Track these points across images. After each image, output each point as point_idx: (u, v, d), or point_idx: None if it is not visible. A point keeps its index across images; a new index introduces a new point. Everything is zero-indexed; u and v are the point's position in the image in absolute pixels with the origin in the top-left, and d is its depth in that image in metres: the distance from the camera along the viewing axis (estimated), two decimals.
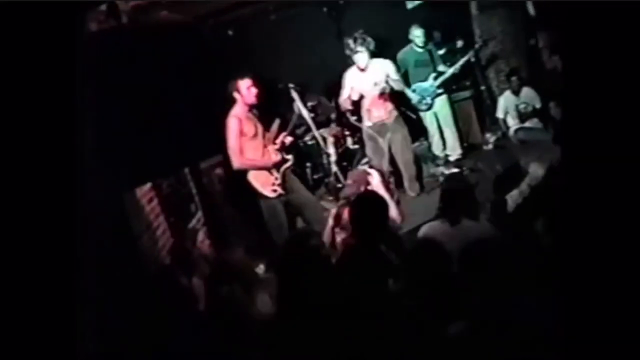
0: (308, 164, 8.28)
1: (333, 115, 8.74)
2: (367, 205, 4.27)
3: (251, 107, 6.35)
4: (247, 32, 9.16)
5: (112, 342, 3.64)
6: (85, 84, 3.08)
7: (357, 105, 7.52)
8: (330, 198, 7.95)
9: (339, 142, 8.48)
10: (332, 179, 6.95)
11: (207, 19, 8.29)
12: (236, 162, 6.24)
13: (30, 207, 2.64)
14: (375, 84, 7.29)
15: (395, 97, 7.71)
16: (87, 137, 3.12)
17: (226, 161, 6.56)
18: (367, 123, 7.53)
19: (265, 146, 6.42)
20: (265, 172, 6.37)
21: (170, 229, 5.92)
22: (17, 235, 2.60)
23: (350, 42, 7.14)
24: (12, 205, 2.60)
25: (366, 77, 7.32)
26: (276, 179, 6.41)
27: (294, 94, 6.20)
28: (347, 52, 7.20)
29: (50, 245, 2.66)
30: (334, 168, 7.09)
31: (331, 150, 7.82)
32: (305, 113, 6.28)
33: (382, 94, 7.37)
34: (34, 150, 2.64)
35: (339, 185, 7.55)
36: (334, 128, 8.58)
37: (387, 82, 7.39)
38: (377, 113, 7.41)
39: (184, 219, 6.46)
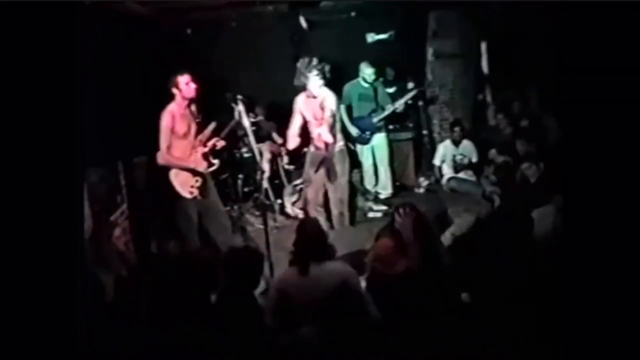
0: (240, 176, 8.26)
1: (274, 133, 8.76)
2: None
3: (189, 103, 6.30)
4: (205, 35, 9.17)
5: None
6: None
7: (304, 130, 7.42)
8: (257, 213, 7.94)
9: (275, 159, 8.50)
10: (262, 195, 6.93)
11: (169, 14, 8.25)
12: (161, 158, 6.18)
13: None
14: (328, 115, 7.17)
15: (340, 130, 7.62)
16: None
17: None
18: (311, 148, 7.44)
19: (194, 147, 6.37)
20: (186, 173, 6.32)
21: (92, 217, 5.83)
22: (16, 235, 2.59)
23: (304, 65, 7.03)
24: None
25: (316, 104, 7.21)
26: (197, 181, 6.35)
27: (240, 104, 6.16)
28: (301, 74, 7.09)
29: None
30: (266, 184, 7.08)
31: (266, 166, 7.83)
32: (247, 124, 6.24)
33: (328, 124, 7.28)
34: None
35: (267, 203, 7.56)
36: (272, 145, 8.59)
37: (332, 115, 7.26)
38: (318, 142, 7.30)
39: (108, 209, 6.37)
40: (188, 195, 6.32)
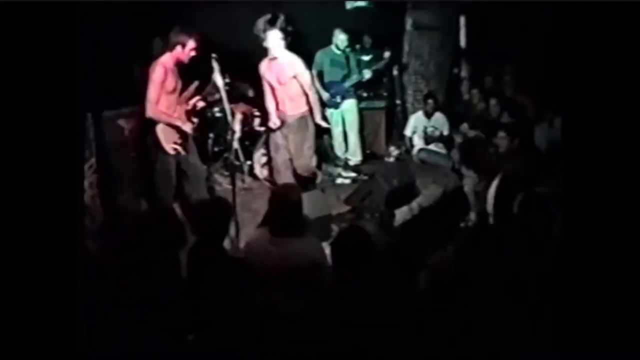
0: (211, 135, 8.20)
1: (249, 93, 8.70)
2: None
3: (178, 63, 6.26)
4: None
5: None
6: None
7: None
8: (226, 173, 7.93)
9: (246, 120, 8.46)
10: (231, 155, 6.90)
11: None
12: (150, 111, 6.11)
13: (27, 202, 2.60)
14: (285, 83, 7.06)
15: (304, 95, 7.26)
16: None
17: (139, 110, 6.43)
18: (278, 115, 7.32)
19: (178, 104, 6.34)
20: (170, 129, 6.29)
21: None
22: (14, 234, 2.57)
23: (264, 22, 6.88)
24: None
25: (277, 68, 7.06)
26: (179, 138, 6.34)
27: (215, 64, 6.12)
28: (260, 31, 6.92)
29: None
30: (236, 145, 7.05)
31: (237, 127, 7.78)
32: (220, 84, 6.20)
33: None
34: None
35: (237, 163, 7.53)
36: (244, 106, 8.55)
37: (295, 77, 7.10)
38: (281, 107, 7.20)
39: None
40: (171, 152, 6.29)
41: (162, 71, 6.08)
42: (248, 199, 7.27)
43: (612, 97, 2.69)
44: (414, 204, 6.88)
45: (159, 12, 8.40)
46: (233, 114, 7.15)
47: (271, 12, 7.14)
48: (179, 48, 6.16)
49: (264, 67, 7.16)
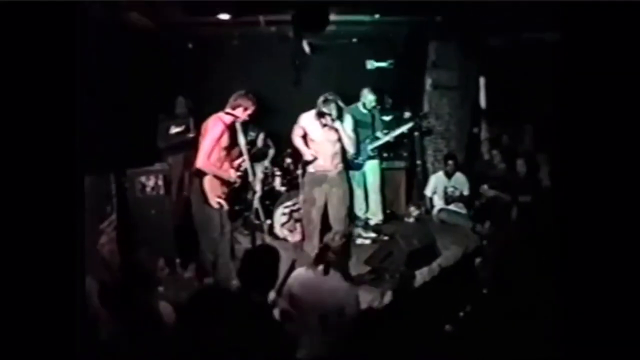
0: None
1: (271, 152, 8.77)
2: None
3: (234, 121, 6.36)
4: (206, 50, 9.22)
5: None
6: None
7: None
8: (246, 232, 7.93)
9: (266, 180, 8.51)
10: (252, 214, 6.92)
11: (172, 28, 8.29)
12: (201, 162, 6.18)
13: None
14: (329, 141, 7.23)
15: (343, 152, 7.55)
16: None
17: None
18: (310, 169, 7.47)
19: (224, 162, 6.42)
20: (217, 183, 6.35)
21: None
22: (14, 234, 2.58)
23: (321, 103, 6.99)
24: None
25: (323, 130, 7.21)
26: (224, 192, 6.39)
27: (237, 125, 6.21)
28: (320, 110, 7.00)
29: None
30: (257, 204, 7.08)
31: (258, 186, 7.82)
32: (243, 144, 6.28)
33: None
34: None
35: (257, 222, 7.53)
36: (265, 165, 8.60)
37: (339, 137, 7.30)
38: (322, 162, 7.36)
39: (98, 218, 6.38)
40: (215, 206, 6.34)
41: (222, 127, 6.20)
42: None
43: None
44: (435, 265, 6.82)
45: (180, 72, 8.58)
46: (254, 173, 7.20)
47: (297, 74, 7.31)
48: (240, 110, 6.27)
49: (308, 119, 7.29)
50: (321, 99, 6.99)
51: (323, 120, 7.02)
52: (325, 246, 4.93)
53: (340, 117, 7.06)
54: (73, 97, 2.75)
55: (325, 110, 6.93)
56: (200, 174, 6.27)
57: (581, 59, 2.75)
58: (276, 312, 4.56)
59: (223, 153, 6.32)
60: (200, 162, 6.23)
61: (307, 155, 7.31)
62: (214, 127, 6.23)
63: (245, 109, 6.30)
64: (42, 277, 2.61)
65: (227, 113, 6.30)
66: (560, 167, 2.88)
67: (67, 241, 2.71)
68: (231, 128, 6.37)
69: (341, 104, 7.12)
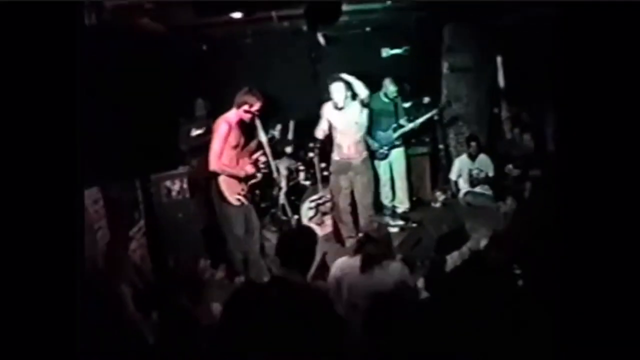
0: (257, 192, 8.28)
1: (289, 149, 8.78)
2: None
3: (241, 121, 6.40)
4: (220, 51, 9.23)
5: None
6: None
7: (329, 137, 7.55)
8: (274, 229, 7.96)
9: (291, 175, 8.52)
10: (279, 211, 6.94)
11: (184, 30, 8.30)
12: (213, 164, 6.29)
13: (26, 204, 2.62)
14: (356, 123, 7.34)
15: (364, 141, 7.72)
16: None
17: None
18: (335, 157, 7.55)
19: (240, 158, 6.46)
20: (234, 181, 6.40)
21: (110, 233, 5.88)
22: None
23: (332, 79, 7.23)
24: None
25: (343, 115, 7.36)
26: (242, 189, 6.43)
27: (257, 122, 6.24)
28: (328, 81, 7.28)
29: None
30: (283, 200, 7.10)
31: (283, 182, 7.84)
32: (265, 142, 6.31)
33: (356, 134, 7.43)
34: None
35: (284, 218, 7.55)
36: (287, 160, 8.62)
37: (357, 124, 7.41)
38: (346, 150, 7.44)
39: (126, 225, 6.43)
40: (236, 203, 6.39)
41: (226, 127, 6.27)
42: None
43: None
44: (465, 249, 6.78)
45: (199, 73, 8.60)
46: (278, 170, 7.23)
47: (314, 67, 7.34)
48: (245, 107, 6.30)
49: (328, 110, 7.44)
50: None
51: (335, 102, 7.21)
52: (366, 236, 4.98)
53: (351, 89, 7.27)
54: (73, 103, 2.75)
55: (332, 91, 7.21)
56: (215, 174, 6.33)
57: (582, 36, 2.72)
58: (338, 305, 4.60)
59: (235, 152, 6.37)
60: (213, 164, 6.31)
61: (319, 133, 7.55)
62: (219, 128, 6.33)
63: (251, 106, 6.32)
64: (41, 278, 2.62)
65: (245, 111, 6.33)
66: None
67: (66, 243, 2.70)
68: (241, 126, 6.41)
69: (348, 77, 7.29)
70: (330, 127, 7.43)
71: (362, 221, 7.53)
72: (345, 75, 7.28)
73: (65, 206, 2.69)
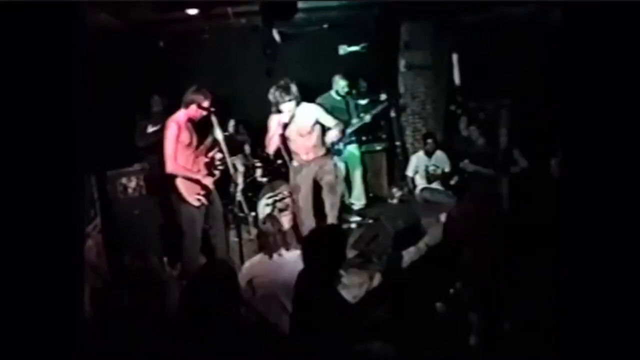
0: (215, 191, 8.24)
1: (246, 146, 8.77)
2: None
3: (191, 120, 6.35)
4: (177, 47, 9.19)
5: None
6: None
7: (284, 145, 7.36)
8: (232, 226, 7.93)
9: (248, 172, 8.50)
10: (236, 207, 6.92)
11: (142, 26, 8.25)
12: (169, 167, 6.22)
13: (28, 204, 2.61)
14: (308, 132, 7.11)
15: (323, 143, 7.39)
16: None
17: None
18: (294, 164, 7.33)
19: (196, 157, 6.42)
20: (192, 182, 6.36)
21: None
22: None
23: (275, 91, 6.78)
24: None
25: (294, 125, 7.04)
26: (201, 189, 6.39)
27: (214, 119, 6.21)
28: (272, 100, 6.84)
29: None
30: (240, 197, 7.08)
31: (239, 179, 7.82)
32: (221, 139, 6.27)
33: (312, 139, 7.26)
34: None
35: (241, 215, 7.53)
36: (244, 158, 8.61)
37: (319, 124, 7.19)
38: (304, 156, 7.23)
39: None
40: (195, 203, 6.35)
41: (175, 127, 6.20)
42: (255, 249, 7.27)
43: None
44: (421, 244, 6.85)
45: (154, 71, 8.55)
46: (235, 167, 7.20)
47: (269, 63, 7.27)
48: (194, 107, 6.25)
49: (274, 122, 7.07)
50: (271, 91, 6.84)
51: (281, 115, 6.91)
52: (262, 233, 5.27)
53: (296, 100, 6.89)
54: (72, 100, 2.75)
55: (277, 100, 6.81)
56: (172, 176, 6.29)
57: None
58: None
59: (189, 151, 6.33)
60: (169, 167, 6.25)
61: (271, 147, 7.19)
62: (169, 130, 6.25)
63: (199, 104, 6.28)
64: (40, 279, 2.61)
65: (197, 108, 6.30)
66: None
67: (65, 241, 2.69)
68: (192, 124, 6.37)
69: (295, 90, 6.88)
70: (283, 138, 7.21)
71: (329, 220, 7.48)
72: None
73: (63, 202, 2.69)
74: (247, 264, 5.33)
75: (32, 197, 2.62)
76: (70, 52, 2.76)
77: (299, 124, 7.00)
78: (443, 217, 6.30)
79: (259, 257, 5.19)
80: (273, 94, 6.78)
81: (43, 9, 2.67)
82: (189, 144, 6.34)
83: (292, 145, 7.20)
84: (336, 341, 3.72)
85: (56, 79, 2.73)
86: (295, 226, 7.69)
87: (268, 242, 5.16)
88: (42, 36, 2.69)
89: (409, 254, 6.60)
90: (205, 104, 6.27)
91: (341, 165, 8.64)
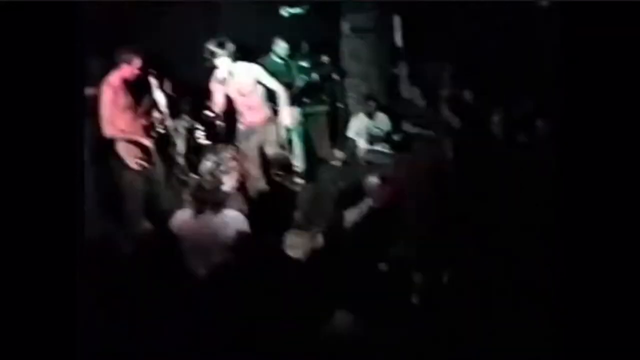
0: (156, 153, 8.16)
1: (187, 108, 8.67)
2: None
3: (126, 81, 6.24)
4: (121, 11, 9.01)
5: None
6: None
7: (230, 108, 7.31)
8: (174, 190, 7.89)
9: (190, 135, 8.43)
10: (177, 171, 6.88)
11: None
12: (107, 130, 6.13)
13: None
14: (249, 91, 7.08)
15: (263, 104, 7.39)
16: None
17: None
18: (240, 127, 7.36)
19: (134, 120, 6.33)
20: (131, 145, 6.28)
21: None
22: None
23: (210, 46, 6.72)
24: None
25: (233, 83, 7.01)
26: (142, 152, 6.33)
27: (153, 80, 6.13)
28: (208, 55, 6.76)
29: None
30: (181, 160, 7.03)
31: (180, 142, 7.75)
32: (161, 101, 6.21)
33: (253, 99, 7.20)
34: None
35: (184, 178, 7.49)
36: (186, 120, 8.52)
37: (260, 84, 7.14)
38: (249, 117, 7.23)
39: None
40: (135, 167, 6.28)
41: (110, 91, 6.11)
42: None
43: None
44: (363, 205, 6.92)
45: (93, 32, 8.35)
46: (176, 130, 7.14)
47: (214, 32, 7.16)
48: (125, 66, 6.15)
49: (216, 83, 7.04)
50: (206, 46, 6.77)
51: (217, 71, 6.89)
52: (199, 186, 5.24)
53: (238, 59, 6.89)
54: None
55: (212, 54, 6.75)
56: (112, 140, 6.22)
57: None
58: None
59: (128, 114, 6.25)
60: (107, 131, 6.16)
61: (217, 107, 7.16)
62: (103, 94, 6.16)
63: (130, 64, 6.19)
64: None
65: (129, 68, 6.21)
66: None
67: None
68: (128, 86, 6.28)
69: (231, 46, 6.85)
70: (227, 98, 7.19)
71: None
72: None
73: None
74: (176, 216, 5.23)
75: (32, 197, 2.61)
76: (70, 51, 2.72)
77: (238, 82, 6.96)
78: (384, 177, 6.33)
79: (188, 212, 5.09)
80: (208, 49, 6.73)
81: (43, 9, 2.68)
82: (127, 107, 6.25)
83: (237, 106, 7.18)
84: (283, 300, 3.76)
85: (56, 79, 2.70)
86: (241, 188, 7.67)
87: (202, 198, 5.09)
88: (42, 36, 2.73)
89: (350, 215, 6.67)
90: (136, 62, 6.18)
91: (283, 133, 8.63)
